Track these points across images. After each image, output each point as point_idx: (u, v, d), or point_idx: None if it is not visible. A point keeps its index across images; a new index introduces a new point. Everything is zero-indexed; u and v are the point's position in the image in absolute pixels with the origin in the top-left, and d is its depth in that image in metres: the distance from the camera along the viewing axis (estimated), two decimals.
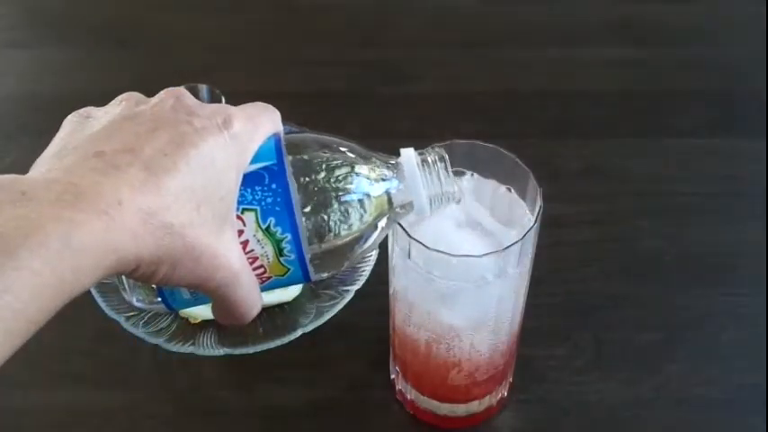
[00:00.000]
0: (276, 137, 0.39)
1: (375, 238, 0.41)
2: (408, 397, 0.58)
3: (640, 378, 0.60)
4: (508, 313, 0.50)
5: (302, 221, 0.38)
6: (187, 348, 0.58)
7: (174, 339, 0.58)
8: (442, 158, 0.41)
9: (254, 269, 0.38)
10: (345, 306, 0.60)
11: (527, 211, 0.49)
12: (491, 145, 0.49)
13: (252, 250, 0.38)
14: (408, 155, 0.41)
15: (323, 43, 0.90)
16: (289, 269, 0.39)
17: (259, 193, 0.37)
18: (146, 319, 0.60)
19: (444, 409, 0.57)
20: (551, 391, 0.59)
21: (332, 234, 0.39)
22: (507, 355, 0.54)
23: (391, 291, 0.52)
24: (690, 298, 0.64)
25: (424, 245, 0.44)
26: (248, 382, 0.60)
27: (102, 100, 0.37)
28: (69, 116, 0.36)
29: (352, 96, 0.83)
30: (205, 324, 0.61)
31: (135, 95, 0.37)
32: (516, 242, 0.45)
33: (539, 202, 0.47)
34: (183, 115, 0.35)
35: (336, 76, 0.85)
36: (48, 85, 0.85)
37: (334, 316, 0.59)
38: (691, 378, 0.59)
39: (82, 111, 0.37)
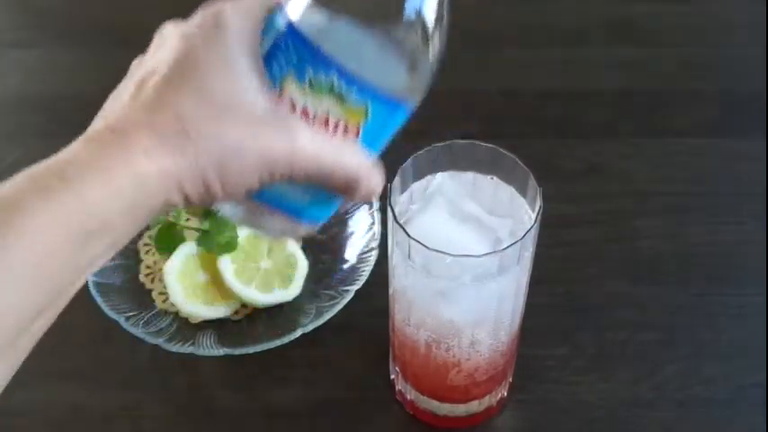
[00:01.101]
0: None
1: (441, 34, 0.37)
2: (408, 397, 0.58)
3: (640, 378, 0.60)
4: (508, 312, 0.50)
5: (338, 47, 0.34)
6: (187, 348, 0.58)
7: (173, 339, 0.59)
8: None
9: (335, 132, 0.36)
10: (345, 306, 0.60)
11: (527, 208, 0.49)
12: (491, 145, 0.49)
13: (316, 115, 0.36)
14: None
15: None
16: (364, 106, 0.36)
17: (282, 59, 0.35)
18: (146, 319, 0.60)
19: (444, 409, 0.57)
20: (551, 391, 0.59)
21: (401, 46, 0.36)
22: (507, 355, 0.54)
23: (391, 291, 0.52)
24: (690, 298, 0.64)
25: (423, 245, 0.44)
26: (248, 382, 0.60)
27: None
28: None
29: None
30: (205, 324, 0.61)
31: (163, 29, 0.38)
32: (516, 242, 0.45)
33: (539, 202, 0.47)
34: (186, 28, 0.36)
35: None
36: (49, 85, 0.85)
37: (334, 316, 0.59)
38: (691, 378, 0.60)
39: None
